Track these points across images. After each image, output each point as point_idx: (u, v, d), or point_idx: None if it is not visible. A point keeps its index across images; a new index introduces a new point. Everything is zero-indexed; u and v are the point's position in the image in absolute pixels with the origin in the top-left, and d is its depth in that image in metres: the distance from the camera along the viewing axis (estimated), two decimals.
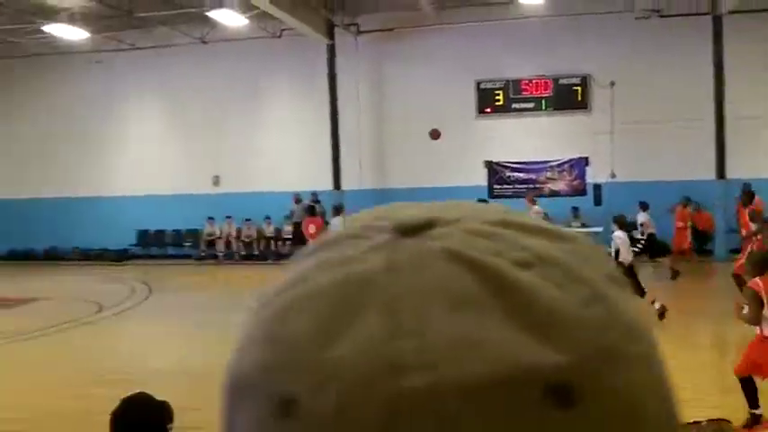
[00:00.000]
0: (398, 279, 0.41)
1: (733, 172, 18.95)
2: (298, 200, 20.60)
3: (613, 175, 20.24)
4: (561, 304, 0.41)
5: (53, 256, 23.23)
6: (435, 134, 18.60)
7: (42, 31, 19.57)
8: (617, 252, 11.25)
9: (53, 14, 18.71)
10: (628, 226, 12.15)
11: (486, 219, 0.46)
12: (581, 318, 0.41)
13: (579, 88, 20.63)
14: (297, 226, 19.47)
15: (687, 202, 18.01)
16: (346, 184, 21.29)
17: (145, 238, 23.25)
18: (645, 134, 19.94)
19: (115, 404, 2.72)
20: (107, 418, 3.00)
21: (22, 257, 23.24)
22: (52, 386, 9.22)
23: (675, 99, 19.77)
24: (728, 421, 5.48)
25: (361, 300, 0.41)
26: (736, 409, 6.84)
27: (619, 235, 11.60)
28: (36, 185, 23.47)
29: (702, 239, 19.01)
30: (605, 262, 0.48)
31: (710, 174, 19.14)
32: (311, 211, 18.24)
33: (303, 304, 0.43)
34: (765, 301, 6.87)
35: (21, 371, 10.18)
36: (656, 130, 19.87)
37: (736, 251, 15.22)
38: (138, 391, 2.73)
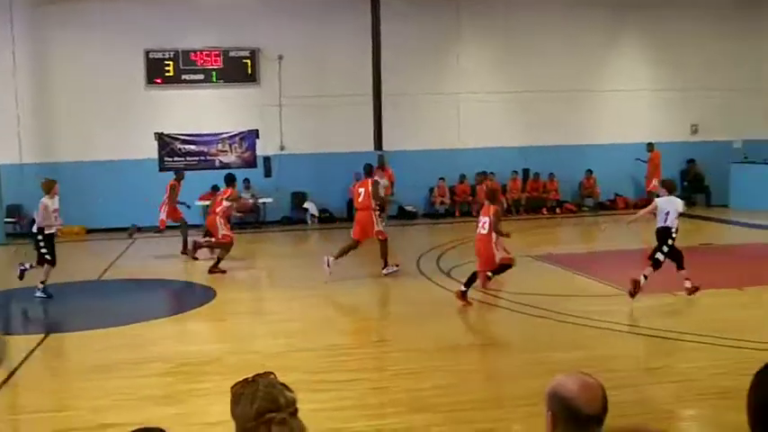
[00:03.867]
0: None
1: (390, 144, 20.21)
2: None
3: (282, 148, 20.85)
4: None
5: None
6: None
7: None
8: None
9: None
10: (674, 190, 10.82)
11: None
12: None
13: (249, 61, 20.73)
14: None
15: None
16: (4, 159, 19.40)
17: None
18: (312, 108, 20.67)
19: None
20: None
21: None
22: None
23: (340, 74, 20.70)
24: None
25: None
26: None
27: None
28: None
29: None
30: None
31: (370, 146, 20.12)
32: None
33: None
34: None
35: None
36: (323, 104, 20.67)
37: None
38: None
